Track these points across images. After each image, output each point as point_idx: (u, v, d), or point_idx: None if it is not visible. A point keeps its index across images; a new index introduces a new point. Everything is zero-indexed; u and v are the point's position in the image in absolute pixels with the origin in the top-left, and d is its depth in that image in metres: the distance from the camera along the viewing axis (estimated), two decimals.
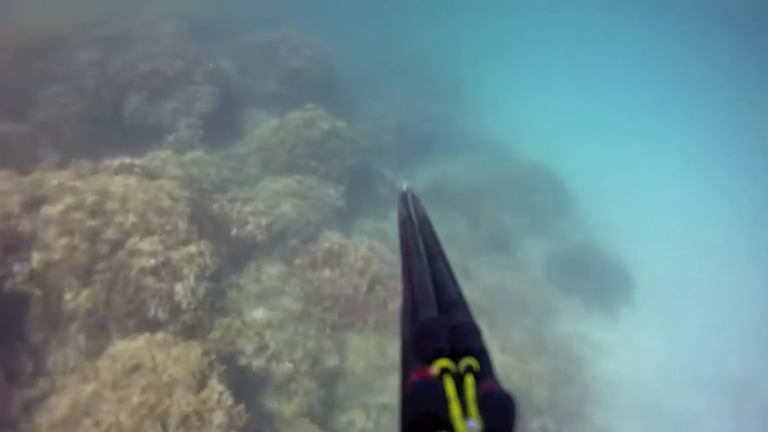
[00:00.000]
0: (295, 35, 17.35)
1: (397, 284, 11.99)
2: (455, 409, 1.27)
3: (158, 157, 13.23)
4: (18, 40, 14.84)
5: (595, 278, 15.12)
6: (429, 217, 2.78)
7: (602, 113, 28.16)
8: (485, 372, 1.48)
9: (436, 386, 1.37)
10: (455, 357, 1.50)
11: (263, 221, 11.55)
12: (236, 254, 11.04)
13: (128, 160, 11.72)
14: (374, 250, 11.76)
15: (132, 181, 10.21)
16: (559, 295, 14.44)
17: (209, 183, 12.89)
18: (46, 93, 13.79)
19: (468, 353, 1.51)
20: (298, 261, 11.48)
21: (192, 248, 9.86)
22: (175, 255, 9.59)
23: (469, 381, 1.38)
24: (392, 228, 14.59)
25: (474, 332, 1.63)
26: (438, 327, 1.64)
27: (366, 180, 14.83)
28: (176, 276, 9.39)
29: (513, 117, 24.26)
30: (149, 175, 11.84)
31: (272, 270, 11.04)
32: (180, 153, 13.56)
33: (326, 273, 11.14)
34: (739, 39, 39.46)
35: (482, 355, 1.54)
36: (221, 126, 14.86)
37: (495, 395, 1.36)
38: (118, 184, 10.05)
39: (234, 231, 11.12)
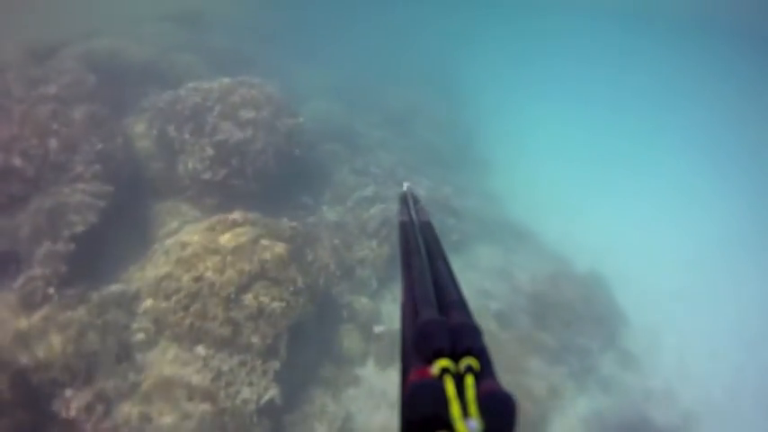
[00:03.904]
0: (238, 87, 12.17)
1: None
2: (455, 409, 1.26)
3: None
4: None
5: None
6: (430, 217, 2.80)
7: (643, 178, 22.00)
8: (485, 372, 1.47)
9: (436, 386, 1.35)
10: (455, 357, 1.49)
11: None
12: None
13: None
14: None
15: None
16: None
17: (60, 369, 8.26)
18: None
19: (468, 353, 1.50)
20: None
21: None
22: None
23: (470, 381, 1.37)
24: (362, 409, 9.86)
25: (474, 332, 1.62)
26: (438, 327, 1.62)
27: (322, 327, 9.92)
28: None
29: (535, 185, 18.68)
30: None
31: None
32: (29, 307, 8.94)
33: None
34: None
35: (482, 355, 1.54)
36: (110, 244, 10.12)
37: (495, 395, 1.34)
38: None
39: None
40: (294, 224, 11.16)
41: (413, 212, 2.88)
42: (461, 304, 1.90)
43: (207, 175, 11.40)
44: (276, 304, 8.64)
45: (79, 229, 9.83)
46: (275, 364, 8.67)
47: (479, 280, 12.78)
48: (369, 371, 10.18)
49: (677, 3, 36.66)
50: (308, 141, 13.55)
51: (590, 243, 15.66)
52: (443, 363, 1.43)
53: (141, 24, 19.83)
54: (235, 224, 9.43)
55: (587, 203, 18.80)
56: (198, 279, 8.67)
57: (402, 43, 28.47)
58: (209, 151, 11.44)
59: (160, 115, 12.16)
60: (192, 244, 9.09)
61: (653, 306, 14.00)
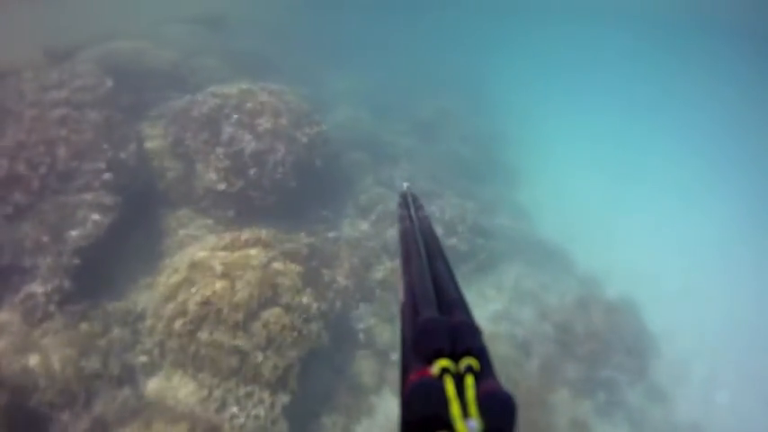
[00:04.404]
0: (258, 94, 11.57)
1: None
2: (455, 408, 1.24)
3: None
4: None
5: None
6: (429, 217, 2.78)
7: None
8: (485, 372, 1.45)
9: (436, 386, 1.33)
10: (455, 357, 1.47)
11: None
12: None
13: None
14: None
15: None
16: None
17: (58, 391, 7.83)
18: None
19: (468, 353, 1.49)
20: None
21: None
22: None
23: (470, 381, 1.35)
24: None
25: (474, 332, 1.61)
26: (438, 327, 1.61)
27: (337, 352, 9.31)
28: None
29: (561, 197, 18.00)
30: None
31: None
32: (29, 324, 8.50)
33: None
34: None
35: (482, 354, 1.52)
36: (117, 257, 9.65)
37: (495, 395, 1.32)
38: None
39: None
40: (311, 241, 10.51)
41: (412, 212, 2.83)
42: (461, 304, 1.88)
43: (222, 186, 10.80)
44: (287, 333, 7.95)
45: (84, 242, 9.33)
46: (284, 398, 7.99)
47: (506, 304, 11.96)
48: (384, 400, 9.44)
49: (684, 5, 35.51)
50: (331, 151, 12.90)
51: (617, 258, 14.71)
52: (443, 363, 1.42)
53: (166, 26, 19.45)
54: (247, 244, 8.78)
55: (611, 216, 17.88)
56: (205, 303, 8.04)
57: (433, 50, 27.78)
58: (225, 161, 10.83)
59: (176, 121, 11.62)
60: (200, 265, 8.47)
61: (683, 330, 12.99)
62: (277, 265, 8.43)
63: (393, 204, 12.35)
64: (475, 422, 1.20)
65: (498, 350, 10.50)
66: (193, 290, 8.23)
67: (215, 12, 21.81)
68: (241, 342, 7.85)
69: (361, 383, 9.52)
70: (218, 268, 8.32)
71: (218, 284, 8.11)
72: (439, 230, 12.14)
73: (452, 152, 17.14)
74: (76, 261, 9.19)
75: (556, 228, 15.73)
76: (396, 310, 10.52)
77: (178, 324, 8.23)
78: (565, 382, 10.77)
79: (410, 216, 2.79)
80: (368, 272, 10.79)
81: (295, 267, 8.64)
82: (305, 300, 8.30)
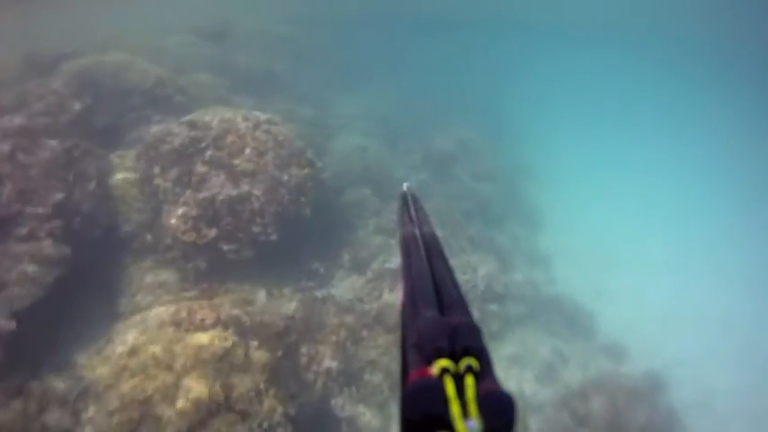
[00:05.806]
0: (241, 125, 10.05)
1: None
2: (455, 408, 1.23)
3: None
4: None
5: None
6: (429, 217, 2.76)
7: None
8: (485, 372, 1.45)
9: (436, 386, 1.32)
10: (455, 357, 1.45)
11: None
12: None
13: None
14: None
15: None
16: None
17: None
18: None
19: (467, 352, 1.47)
20: None
21: None
22: None
23: (469, 381, 1.34)
24: None
25: (474, 332, 1.60)
26: (438, 326, 1.60)
27: None
28: None
29: (584, 238, 16.37)
30: None
31: None
32: None
33: None
34: None
35: (482, 354, 1.50)
36: (65, 318, 8.29)
37: (494, 395, 1.33)
38: None
39: None
40: (292, 307, 8.93)
41: (412, 212, 2.73)
42: (461, 303, 1.87)
43: (190, 236, 9.25)
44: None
45: (23, 303, 7.87)
46: None
47: (520, 382, 10.27)
48: None
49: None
50: (327, 190, 11.34)
51: (644, 316, 13.08)
52: (443, 363, 1.40)
53: (167, 38, 18.03)
54: (203, 325, 7.21)
55: (635, 260, 16.13)
56: (143, 402, 6.48)
57: (451, 74, 26.12)
58: (194, 208, 9.29)
59: (146, 154, 10.14)
60: (143, 351, 6.93)
61: (718, 407, 11.22)
62: (236, 359, 6.84)
63: (395, 258, 10.75)
64: (474, 422, 1.17)
65: None
66: (132, 383, 6.69)
67: (221, 22, 20.40)
68: None
69: None
70: (163, 357, 6.77)
71: (160, 380, 6.57)
72: None
73: (467, 190, 15.46)
74: (12, 326, 7.75)
75: (578, 279, 14.06)
76: (387, 395, 8.90)
77: (115, 419, 6.71)
78: None
79: (410, 216, 2.69)
80: (357, 348, 9.09)
81: (260, 357, 7.06)
82: (267, 403, 6.70)
